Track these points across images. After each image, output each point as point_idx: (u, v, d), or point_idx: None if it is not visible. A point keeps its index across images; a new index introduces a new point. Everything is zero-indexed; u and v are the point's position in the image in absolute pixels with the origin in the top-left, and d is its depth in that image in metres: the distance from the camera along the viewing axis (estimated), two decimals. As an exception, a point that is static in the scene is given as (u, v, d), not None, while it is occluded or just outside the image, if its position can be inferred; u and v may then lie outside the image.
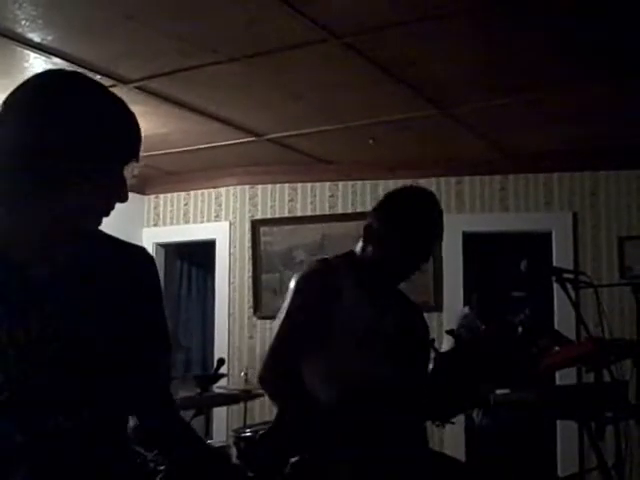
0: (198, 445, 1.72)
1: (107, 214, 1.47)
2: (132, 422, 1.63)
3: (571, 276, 3.77)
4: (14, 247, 1.44)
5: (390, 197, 2.51)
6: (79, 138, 1.37)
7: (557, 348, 3.91)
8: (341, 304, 2.31)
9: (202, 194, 6.35)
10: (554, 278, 3.59)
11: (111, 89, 1.50)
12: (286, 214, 6.03)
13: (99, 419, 1.48)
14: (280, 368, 2.30)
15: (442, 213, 2.50)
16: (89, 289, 1.48)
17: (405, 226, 2.40)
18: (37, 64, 3.64)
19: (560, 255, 5.29)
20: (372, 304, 2.40)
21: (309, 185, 5.98)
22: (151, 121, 4.52)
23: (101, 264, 1.52)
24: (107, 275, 1.52)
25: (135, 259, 1.61)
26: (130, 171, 1.46)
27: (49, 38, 3.37)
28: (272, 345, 2.34)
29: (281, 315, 2.36)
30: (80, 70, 3.19)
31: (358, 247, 2.49)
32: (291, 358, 2.31)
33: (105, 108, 1.44)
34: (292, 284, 2.39)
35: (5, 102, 1.41)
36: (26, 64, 3.64)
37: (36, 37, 3.36)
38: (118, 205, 1.48)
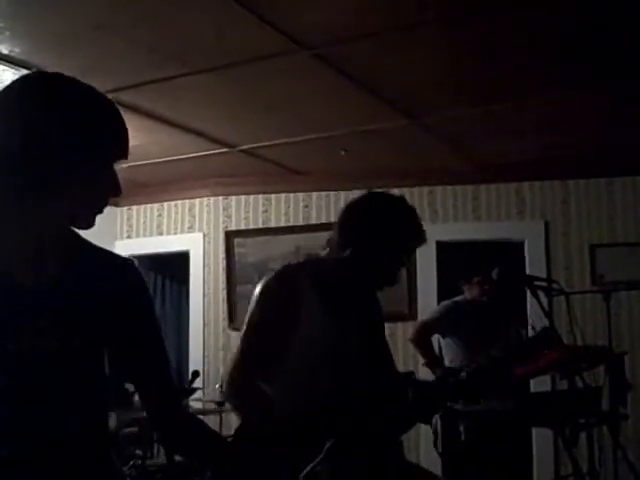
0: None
1: (101, 211, 1.44)
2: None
3: (543, 284, 3.80)
4: (4, 256, 1.39)
5: (376, 198, 2.48)
6: (70, 138, 1.34)
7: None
8: (302, 313, 2.26)
9: (175, 205, 6.32)
10: (526, 286, 3.62)
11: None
12: (260, 225, 6.02)
13: (88, 433, 1.46)
14: (244, 381, 2.27)
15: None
16: (81, 302, 1.44)
17: (397, 225, 2.38)
18: (5, 76, 3.60)
19: (533, 263, 5.33)
20: (339, 311, 2.35)
21: (283, 196, 5.98)
22: (122, 133, 4.49)
23: (92, 276, 1.48)
24: (99, 287, 1.48)
25: (125, 271, 1.57)
26: (119, 167, 1.44)
27: (17, 50, 3.35)
28: (235, 360, 2.30)
29: (244, 326, 2.33)
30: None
31: (324, 253, 2.46)
32: (255, 372, 2.28)
33: (93, 107, 1.41)
34: (257, 291, 2.35)
35: None
36: (-6, 76, 3.61)
37: (4, 49, 3.33)
38: None
